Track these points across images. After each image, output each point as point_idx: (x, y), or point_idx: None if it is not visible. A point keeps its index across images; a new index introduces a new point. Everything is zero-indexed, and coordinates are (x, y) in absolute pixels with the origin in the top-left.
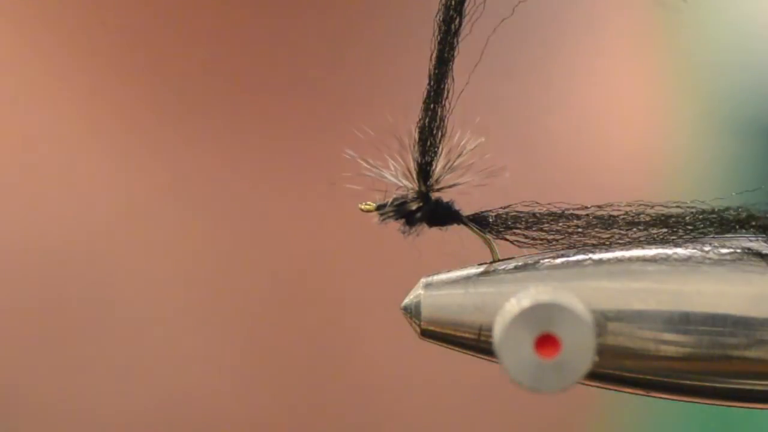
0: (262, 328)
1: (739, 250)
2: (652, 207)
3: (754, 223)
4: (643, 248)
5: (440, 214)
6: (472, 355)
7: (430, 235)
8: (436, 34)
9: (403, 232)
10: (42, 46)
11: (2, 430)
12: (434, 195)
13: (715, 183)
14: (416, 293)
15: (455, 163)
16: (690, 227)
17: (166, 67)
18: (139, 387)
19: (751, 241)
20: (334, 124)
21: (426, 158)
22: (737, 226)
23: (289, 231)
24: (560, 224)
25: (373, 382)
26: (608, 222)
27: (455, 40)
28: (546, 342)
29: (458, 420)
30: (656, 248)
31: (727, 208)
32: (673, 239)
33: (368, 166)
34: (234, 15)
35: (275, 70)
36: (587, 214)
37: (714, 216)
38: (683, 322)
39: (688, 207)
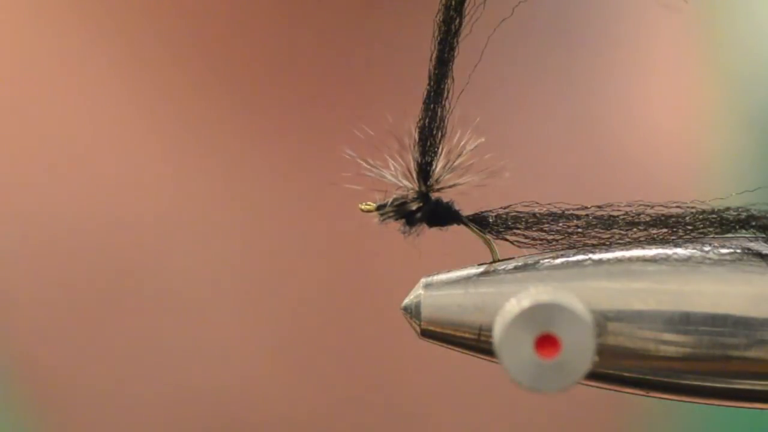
0: (270, 323)
1: (739, 250)
2: (652, 207)
3: (754, 223)
4: (643, 248)
5: (440, 214)
6: (472, 355)
7: (430, 235)
8: (436, 34)
9: (403, 232)
10: (106, 46)
11: (50, 408)
12: (434, 195)
13: (751, 186)
14: (416, 293)
15: (455, 163)
16: (690, 227)
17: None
18: (180, 371)
19: (751, 241)
20: (334, 124)
21: (426, 158)
22: (737, 226)
23: (289, 231)
24: (560, 224)
25: (375, 380)
26: (608, 222)
27: (455, 40)
28: (546, 342)
29: (462, 414)
30: (656, 248)
31: (727, 208)
32: (673, 239)
33: (368, 166)
34: (233, 16)
35: (275, 70)
36: (587, 215)
37: (714, 216)
38: (683, 322)
39: (688, 207)
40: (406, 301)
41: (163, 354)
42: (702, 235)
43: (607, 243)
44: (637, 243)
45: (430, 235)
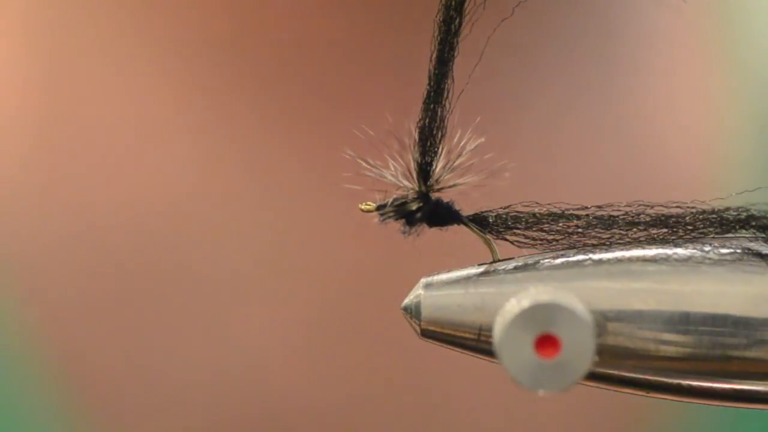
0: (278, 319)
1: (739, 250)
2: (652, 207)
3: (754, 223)
4: (643, 248)
5: (440, 214)
6: (472, 356)
7: (430, 235)
8: (436, 34)
9: (403, 232)
10: (145, 40)
11: (87, 397)
12: (434, 195)
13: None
14: (416, 293)
15: (455, 163)
16: (690, 227)
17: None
18: (204, 362)
19: (751, 241)
20: (334, 124)
21: (426, 158)
22: (737, 226)
23: (288, 231)
24: (560, 224)
25: (374, 384)
26: (608, 222)
27: (455, 40)
28: (546, 342)
29: (466, 415)
30: (656, 248)
31: (727, 208)
32: (673, 239)
33: (368, 166)
34: (235, 17)
35: (276, 70)
36: (587, 215)
37: (714, 216)
38: (683, 322)
39: (688, 207)
40: (406, 301)
41: (187, 345)
42: (702, 235)
43: (607, 243)
44: (637, 243)
45: (430, 235)
